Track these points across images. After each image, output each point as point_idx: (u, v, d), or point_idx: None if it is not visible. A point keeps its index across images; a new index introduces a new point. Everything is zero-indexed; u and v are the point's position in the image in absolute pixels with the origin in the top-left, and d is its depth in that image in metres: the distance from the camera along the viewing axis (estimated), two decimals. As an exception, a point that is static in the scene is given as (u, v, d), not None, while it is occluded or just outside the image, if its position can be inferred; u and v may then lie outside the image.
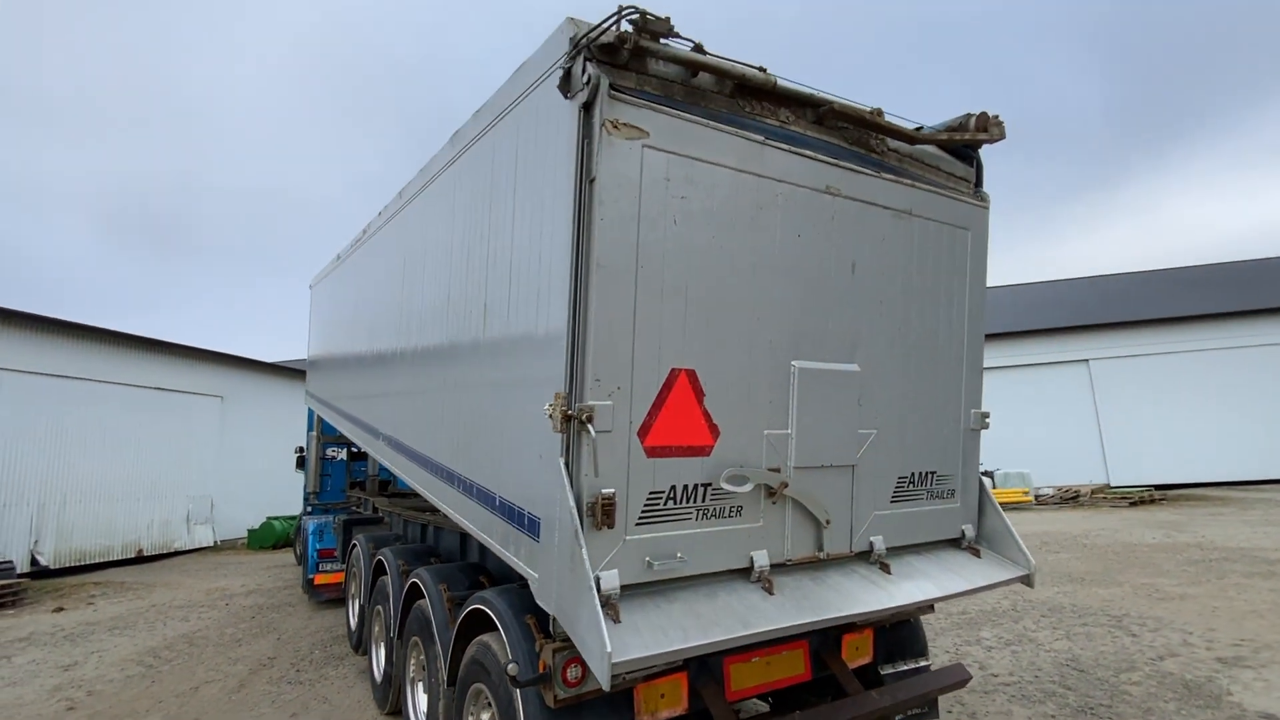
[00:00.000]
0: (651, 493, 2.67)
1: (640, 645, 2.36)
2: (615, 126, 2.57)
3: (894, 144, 3.56)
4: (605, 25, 2.55)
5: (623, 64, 2.67)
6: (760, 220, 2.97)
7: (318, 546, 9.37)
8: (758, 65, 2.98)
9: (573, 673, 2.71)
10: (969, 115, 3.85)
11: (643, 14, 2.57)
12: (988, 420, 3.83)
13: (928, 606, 3.90)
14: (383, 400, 6.02)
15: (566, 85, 2.65)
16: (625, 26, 2.58)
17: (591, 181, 2.55)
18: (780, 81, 3.02)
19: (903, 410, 3.48)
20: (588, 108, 2.56)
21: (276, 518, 17.97)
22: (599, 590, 2.46)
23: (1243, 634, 6.58)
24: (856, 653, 3.64)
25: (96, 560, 15.64)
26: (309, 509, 11.76)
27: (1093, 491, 20.09)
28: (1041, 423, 22.90)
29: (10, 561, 12.27)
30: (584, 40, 2.57)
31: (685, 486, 2.76)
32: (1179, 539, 12.61)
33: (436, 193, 4.64)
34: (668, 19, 2.64)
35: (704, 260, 2.81)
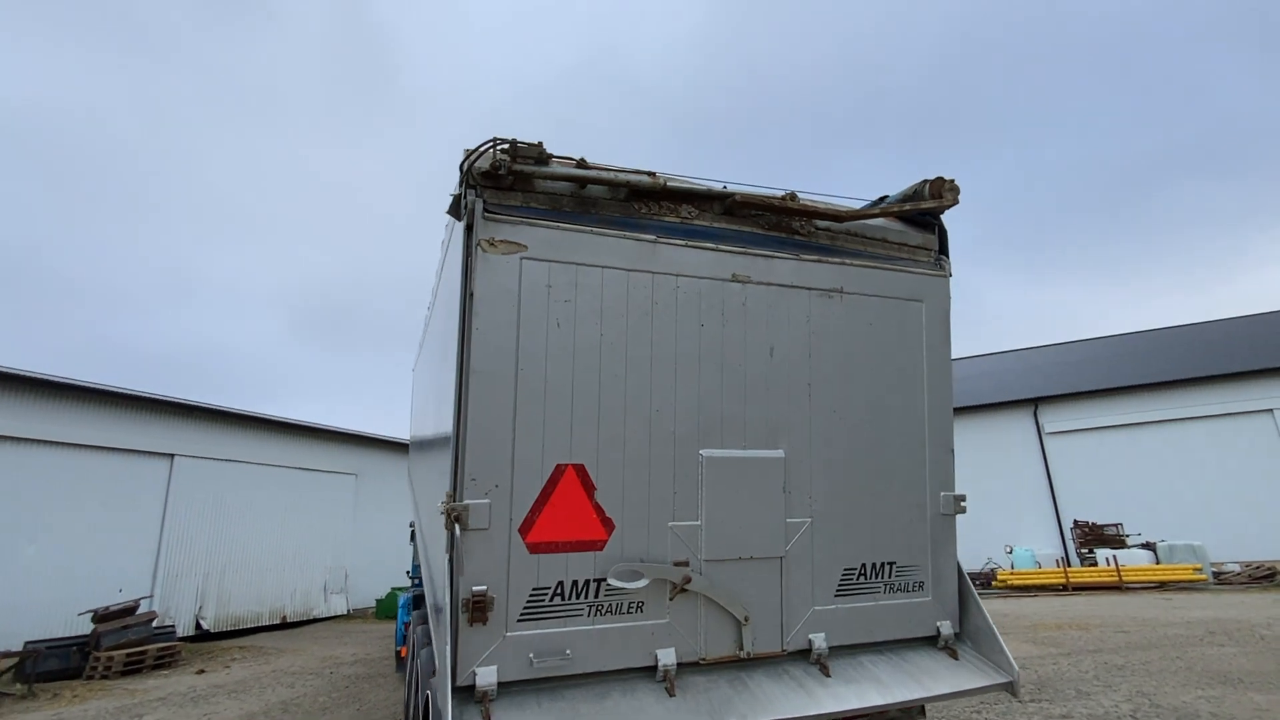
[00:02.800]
0: (535, 589, 2.74)
1: None
2: (492, 244, 2.82)
3: (823, 223, 3.52)
4: (480, 151, 2.84)
5: (508, 186, 2.93)
6: (657, 314, 3.06)
7: (404, 619, 9.95)
8: (647, 171, 3.14)
9: None
10: (924, 182, 3.74)
11: (513, 143, 2.84)
12: (963, 504, 3.51)
13: (917, 709, 3.55)
14: (419, 483, 6.49)
15: (457, 210, 2.94)
16: (501, 155, 2.86)
17: (470, 295, 2.79)
18: (670, 183, 3.14)
19: (845, 496, 3.30)
20: (469, 229, 2.83)
21: (401, 588, 19.20)
22: (474, 686, 2.55)
23: None
24: (826, 762, 3.35)
25: (248, 625, 17.43)
26: (415, 581, 12.53)
27: (1295, 568, 16.78)
28: (1222, 485, 19.65)
29: (171, 626, 14.01)
30: (464, 168, 2.87)
31: (575, 582, 2.80)
32: (1399, 632, 10.20)
33: (439, 294, 5.11)
34: (539, 144, 2.89)
35: (593, 358, 2.92)
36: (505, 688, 2.62)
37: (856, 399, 3.38)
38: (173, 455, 16.36)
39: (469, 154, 2.87)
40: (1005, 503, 20.74)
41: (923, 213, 3.70)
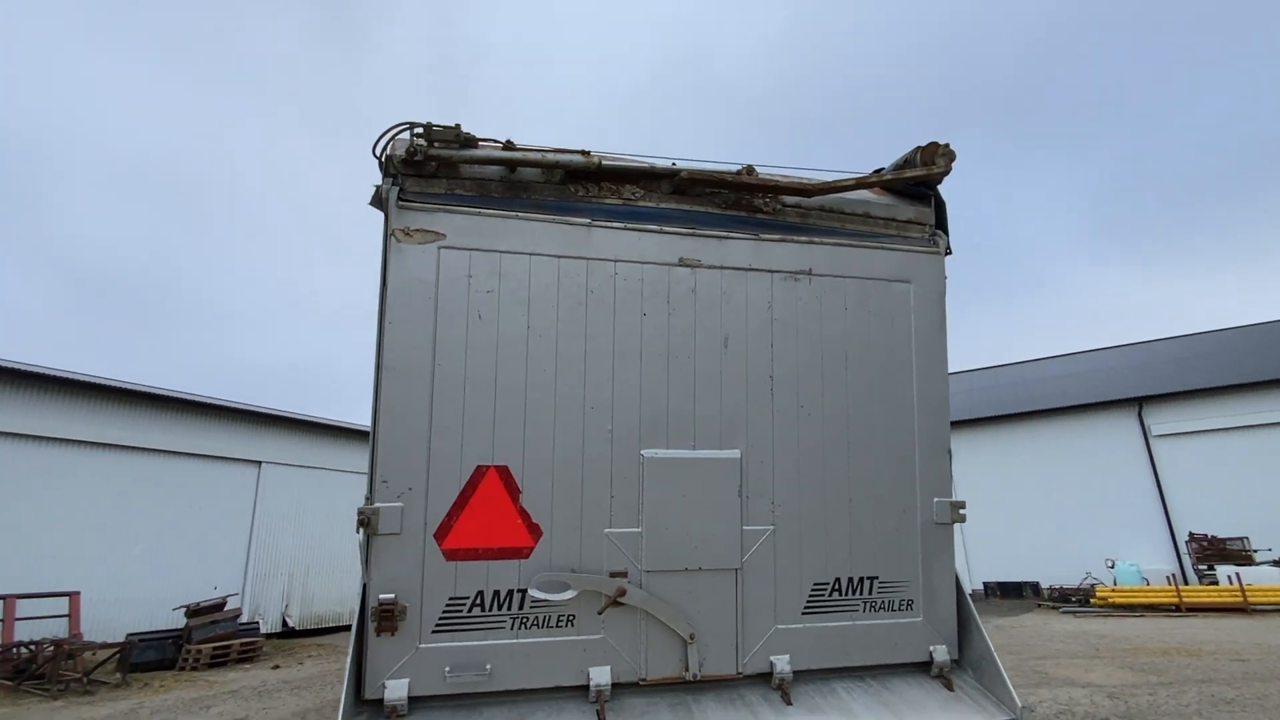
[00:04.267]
0: (452, 598, 2.57)
1: None
2: (406, 234, 2.68)
3: (791, 199, 3.19)
4: (391, 136, 2.73)
5: (430, 173, 2.80)
6: (592, 304, 2.83)
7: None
8: (581, 150, 2.92)
9: None
10: (916, 150, 3.34)
11: (427, 126, 2.70)
12: (963, 512, 3.07)
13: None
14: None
15: (378, 201, 2.84)
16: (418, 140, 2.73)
17: (385, 288, 2.67)
18: (606, 162, 2.91)
19: (816, 502, 2.94)
20: (386, 219, 2.72)
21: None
22: (383, 700, 2.41)
23: None
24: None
25: (330, 624, 18.28)
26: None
27: None
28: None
29: (256, 623, 14.86)
30: (379, 155, 2.76)
31: (497, 592, 2.61)
32: None
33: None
34: (456, 126, 2.73)
35: (518, 351, 2.74)
36: (418, 702, 2.47)
37: (829, 393, 3.02)
38: (260, 462, 17.44)
39: (380, 140, 2.76)
40: (1106, 513, 18.88)
41: (912, 183, 3.30)
